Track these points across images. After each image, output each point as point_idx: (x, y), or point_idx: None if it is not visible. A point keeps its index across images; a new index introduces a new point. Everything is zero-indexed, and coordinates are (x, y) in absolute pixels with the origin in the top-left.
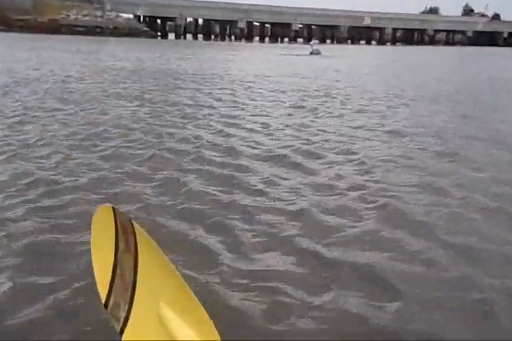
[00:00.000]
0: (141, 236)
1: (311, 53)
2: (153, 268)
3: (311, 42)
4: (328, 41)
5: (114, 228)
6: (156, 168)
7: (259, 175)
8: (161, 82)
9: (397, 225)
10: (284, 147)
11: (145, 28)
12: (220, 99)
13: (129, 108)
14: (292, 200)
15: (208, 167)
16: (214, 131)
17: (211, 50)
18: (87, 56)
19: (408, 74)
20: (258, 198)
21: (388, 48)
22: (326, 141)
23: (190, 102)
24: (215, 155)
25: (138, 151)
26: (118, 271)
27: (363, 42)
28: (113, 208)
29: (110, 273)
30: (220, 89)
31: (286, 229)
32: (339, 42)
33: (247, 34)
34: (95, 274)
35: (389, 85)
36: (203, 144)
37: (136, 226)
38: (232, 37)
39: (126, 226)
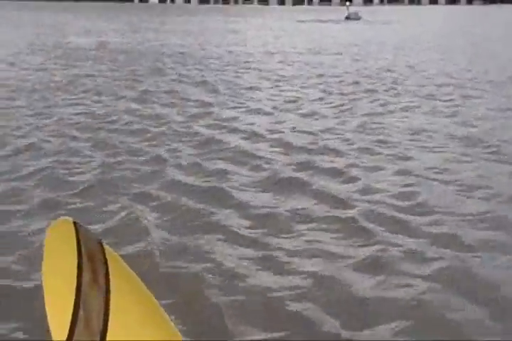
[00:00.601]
0: (115, 263)
1: (347, 18)
2: (132, 310)
3: (348, 3)
4: (376, 0)
5: (75, 251)
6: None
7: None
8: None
9: None
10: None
11: None
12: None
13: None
14: None
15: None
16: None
17: (209, 19)
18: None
19: (491, 47)
20: None
21: (462, 9)
22: None
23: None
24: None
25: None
26: (81, 313)
27: (425, 1)
28: (75, 224)
29: (70, 317)
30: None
31: None
32: (391, 1)
33: None
34: (48, 318)
35: (461, 66)
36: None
37: (108, 249)
38: None
39: (93, 250)
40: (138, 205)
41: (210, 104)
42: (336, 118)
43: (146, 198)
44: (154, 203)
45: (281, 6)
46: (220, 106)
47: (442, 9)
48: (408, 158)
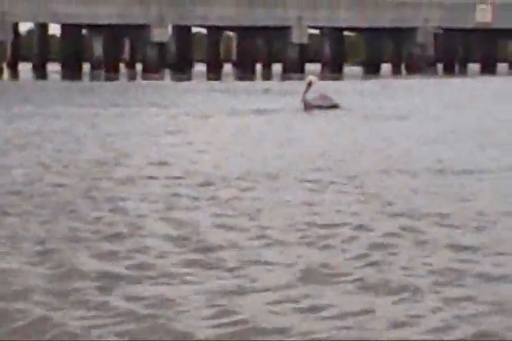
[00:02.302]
0: None
1: (307, 105)
2: None
3: (311, 79)
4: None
5: None
6: None
7: None
8: None
9: None
10: None
11: None
12: None
13: None
14: None
15: None
16: None
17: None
18: None
19: None
20: None
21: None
22: None
23: None
24: None
25: None
26: None
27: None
28: None
29: None
30: None
31: None
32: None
33: (178, 57)
34: None
35: None
36: None
37: None
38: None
39: None
40: None
41: None
42: None
43: None
44: None
45: (189, 82)
46: None
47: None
48: None
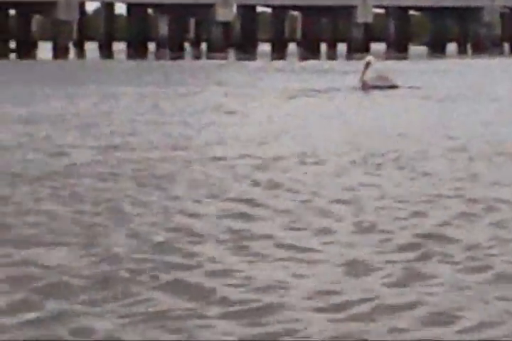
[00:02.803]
0: None
1: (365, 86)
2: None
3: (368, 59)
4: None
5: None
6: None
7: None
8: None
9: None
10: None
11: None
12: None
13: None
14: None
15: None
16: None
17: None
18: None
19: None
20: None
21: None
22: None
23: None
24: None
25: None
26: None
27: None
28: None
29: None
30: None
31: None
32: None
33: (243, 37)
34: None
35: None
36: None
37: None
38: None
39: None
40: None
41: None
42: None
43: None
44: None
45: (253, 62)
46: None
47: None
48: None
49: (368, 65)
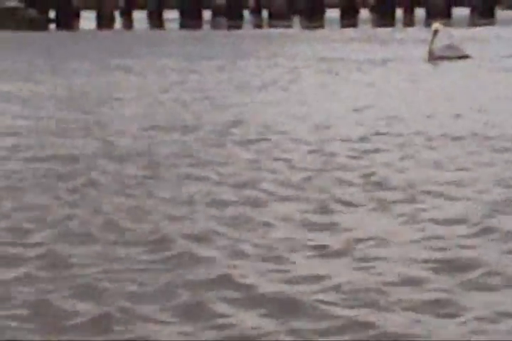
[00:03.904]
0: None
1: (433, 56)
2: None
3: (436, 26)
4: None
5: None
6: None
7: None
8: None
9: None
10: None
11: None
12: None
13: None
14: None
15: None
16: None
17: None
18: None
19: None
20: None
21: None
22: None
23: None
24: None
25: None
26: None
27: None
28: None
29: None
30: None
31: None
32: None
33: (309, 3)
34: None
35: None
36: None
37: None
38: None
39: None
40: None
41: None
42: None
43: None
44: None
45: (320, 30)
46: None
47: None
48: None
49: (435, 32)
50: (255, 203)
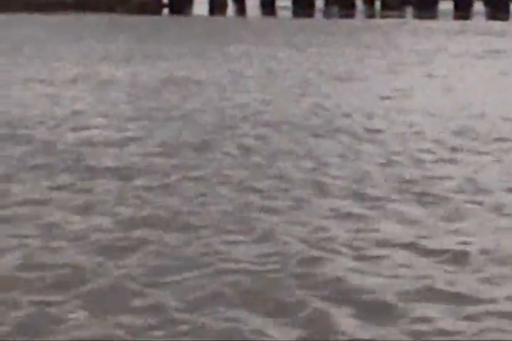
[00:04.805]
0: None
1: None
2: None
3: None
4: None
5: None
6: None
7: None
8: None
9: None
10: None
11: None
12: None
13: None
14: None
15: None
16: None
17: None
18: None
19: None
20: None
21: None
22: None
23: None
24: None
25: None
26: None
27: None
28: None
29: None
30: None
31: None
32: None
33: None
34: None
35: None
36: None
37: None
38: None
39: None
40: None
41: None
42: None
43: None
44: None
45: (433, 21)
46: None
47: None
48: None
49: None
50: None
